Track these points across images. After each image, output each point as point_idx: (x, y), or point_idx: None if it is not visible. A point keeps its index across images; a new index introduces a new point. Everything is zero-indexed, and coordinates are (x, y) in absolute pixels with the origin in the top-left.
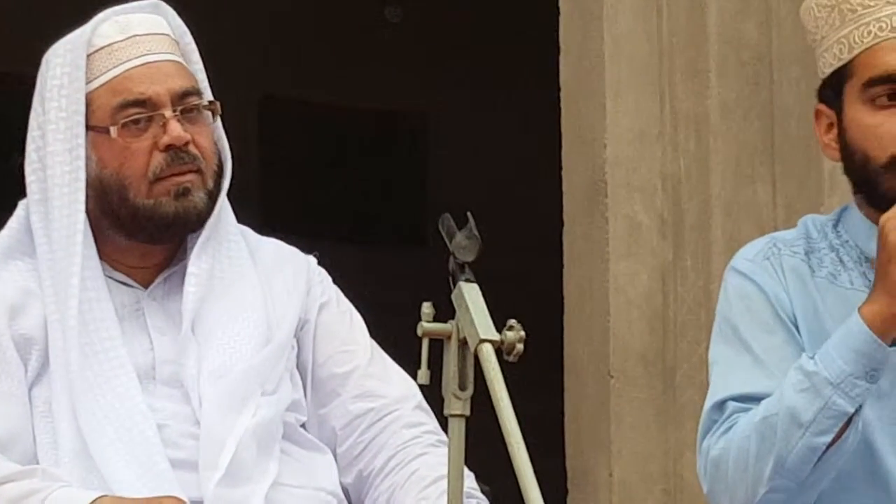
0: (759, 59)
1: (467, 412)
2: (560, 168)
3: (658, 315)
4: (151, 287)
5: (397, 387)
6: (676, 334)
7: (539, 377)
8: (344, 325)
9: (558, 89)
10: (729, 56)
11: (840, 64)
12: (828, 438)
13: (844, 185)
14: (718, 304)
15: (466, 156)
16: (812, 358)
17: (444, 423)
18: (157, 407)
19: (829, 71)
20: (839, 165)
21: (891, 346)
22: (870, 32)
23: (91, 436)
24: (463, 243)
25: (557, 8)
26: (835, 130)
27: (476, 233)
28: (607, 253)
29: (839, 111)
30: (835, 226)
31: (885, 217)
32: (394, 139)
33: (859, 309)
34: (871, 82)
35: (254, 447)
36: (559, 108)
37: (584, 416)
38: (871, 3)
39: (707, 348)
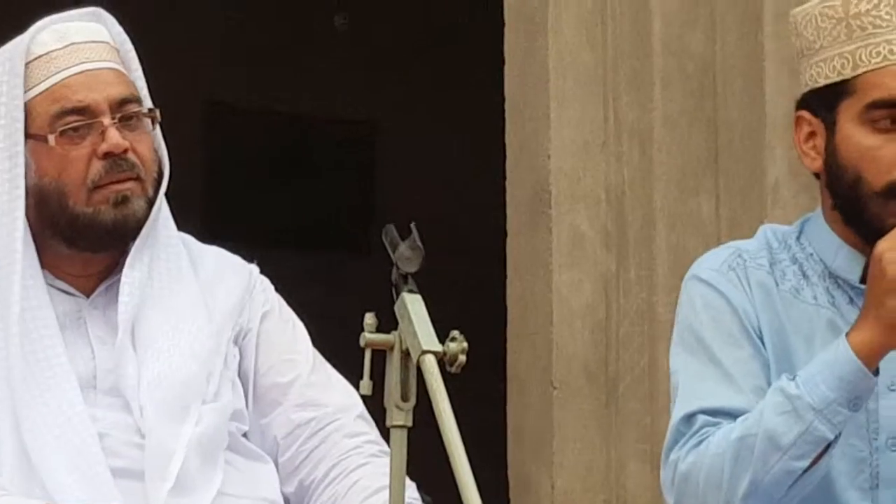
0: (704, 71)
1: (409, 423)
2: (504, 178)
3: (601, 326)
4: (93, 296)
5: (339, 396)
6: (619, 346)
7: (482, 388)
8: (286, 334)
9: (503, 99)
10: (673, 68)
11: (839, 79)
12: (805, 463)
13: (787, 198)
14: (680, 312)
15: (413, 165)
16: (793, 380)
17: (386, 434)
18: (99, 416)
19: (823, 82)
20: (783, 179)
21: (875, 375)
22: (878, 53)
23: (33, 444)
24: (406, 254)
25: (503, 18)
26: (817, 140)
27: (419, 244)
28: (551, 264)
29: (831, 125)
30: (797, 237)
31: (882, 247)
32: (340, 147)
33: (847, 335)
34: (876, 104)
35: (199, 457)
36: (504, 119)
37: (526, 427)
38: (883, 24)
39: (650, 360)
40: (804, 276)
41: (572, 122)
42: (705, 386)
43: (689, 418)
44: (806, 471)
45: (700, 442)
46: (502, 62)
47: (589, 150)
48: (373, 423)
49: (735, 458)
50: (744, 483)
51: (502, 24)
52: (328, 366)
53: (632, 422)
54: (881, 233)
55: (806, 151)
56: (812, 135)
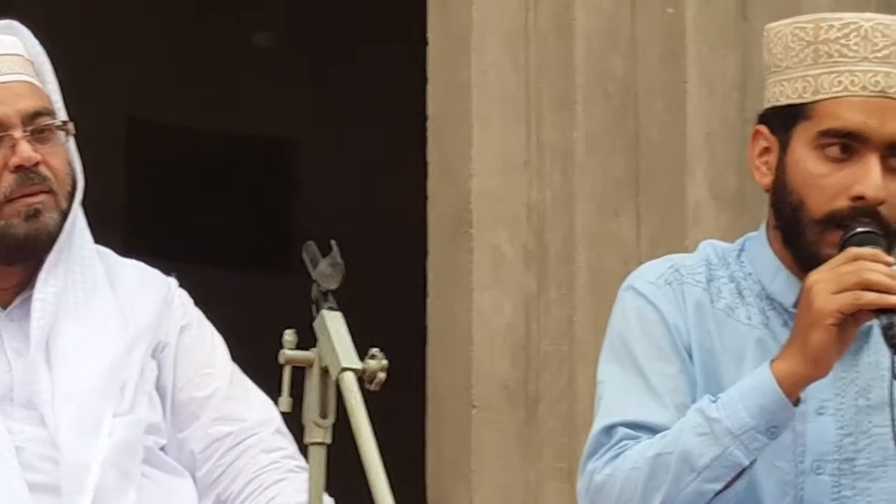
0: (626, 92)
1: (328, 440)
2: (426, 197)
3: (521, 345)
4: (10, 308)
5: (257, 411)
6: (539, 365)
7: (402, 406)
8: (204, 347)
9: (426, 118)
10: (595, 88)
11: (799, 101)
12: (718, 486)
13: (708, 219)
14: (613, 322)
15: (334, 183)
16: (715, 402)
17: (305, 451)
18: (15, 429)
19: (784, 101)
20: (703, 200)
21: (796, 404)
22: (840, 83)
23: None
24: (326, 271)
25: (426, 37)
26: (770, 157)
27: (340, 261)
28: (471, 283)
29: (785, 145)
30: (738, 256)
31: (813, 279)
32: (262, 165)
33: (771, 363)
34: (828, 133)
35: (115, 470)
36: (426, 137)
37: (445, 445)
38: (849, 54)
39: (569, 380)
40: (740, 295)
41: (494, 141)
42: (629, 399)
43: (610, 430)
44: (718, 493)
45: (618, 455)
46: (425, 81)
47: (511, 170)
48: (291, 438)
49: (650, 475)
50: (656, 501)
51: (425, 43)
52: (246, 380)
53: (550, 441)
54: (816, 261)
55: (758, 166)
56: (766, 151)
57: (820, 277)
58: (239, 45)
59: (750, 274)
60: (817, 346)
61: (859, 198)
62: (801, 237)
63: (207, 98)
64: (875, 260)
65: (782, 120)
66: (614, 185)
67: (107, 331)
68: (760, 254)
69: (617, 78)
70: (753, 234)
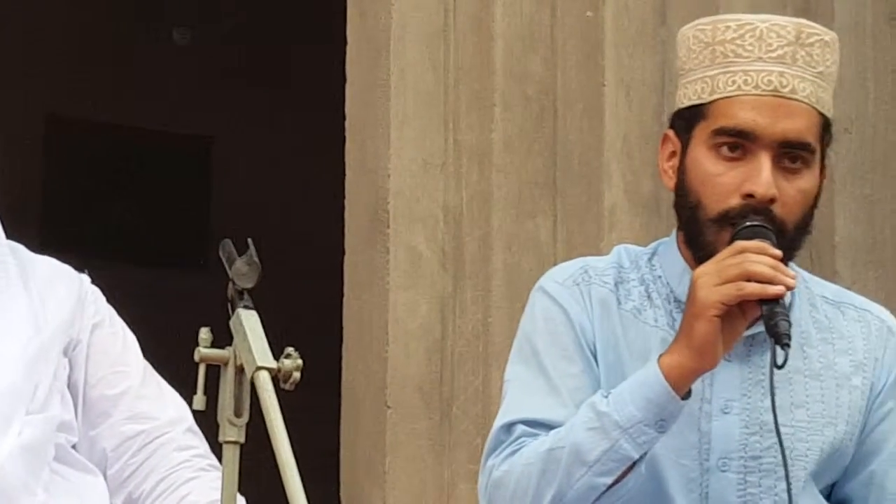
0: (544, 94)
1: (242, 439)
2: (343, 196)
3: (436, 347)
4: None
5: (170, 409)
6: (454, 366)
7: (317, 406)
8: (117, 345)
9: (344, 117)
10: (514, 90)
11: (699, 102)
12: (609, 480)
13: (624, 222)
14: (522, 322)
15: (252, 180)
16: (606, 397)
17: (218, 449)
18: None
19: (686, 103)
20: (620, 202)
21: (683, 398)
22: (734, 82)
23: None
24: (242, 269)
25: (345, 36)
26: (676, 160)
27: (256, 259)
28: (387, 283)
29: (686, 146)
30: (650, 259)
31: (698, 271)
32: (178, 162)
33: (659, 358)
34: (721, 131)
35: (21, 468)
36: (344, 137)
37: (359, 446)
38: (745, 54)
39: (483, 381)
40: (649, 297)
41: (412, 142)
42: (531, 397)
43: (510, 427)
44: (609, 487)
45: (515, 451)
46: (344, 80)
47: (428, 170)
48: (202, 437)
49: (542, 470)
50: (548, 495)
51: (344, 42)
52: (159, 378)
53: (464, 442)
54: None
55: (665, 170)
56: (673, 154)
57: (705, 270)
58: (158, 42)
59: (660, 277)
60: (701, 338)
61: (750, 195)
62: (699, 237)
63: (125, 95)
64: (761, 252)
65: (685, 122)
66: (532, 187)
67: (20, 328)
68: (670, 257)
69: (535, 80)
70: (667, 238)
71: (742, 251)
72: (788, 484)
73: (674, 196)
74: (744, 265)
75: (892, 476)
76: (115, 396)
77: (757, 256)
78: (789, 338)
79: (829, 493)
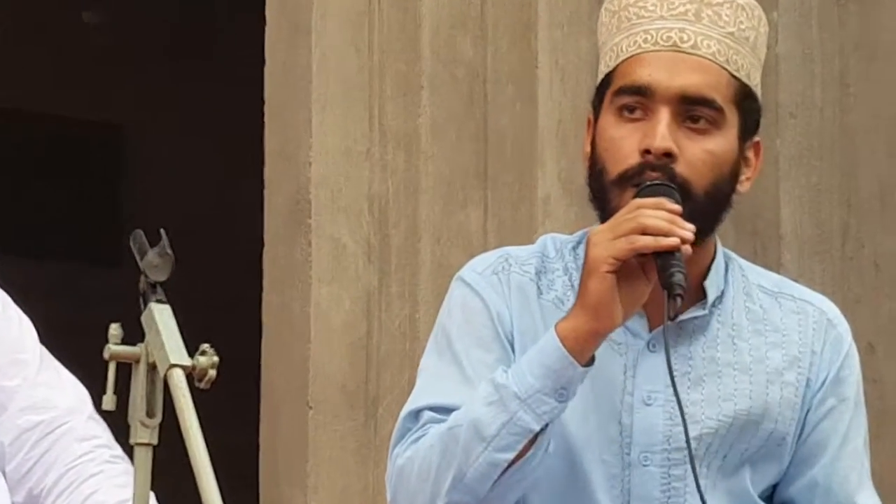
0: (474, 77)
1: (154, 441)
2: (263, 185)
3: (361, 344)
4: None
5: (69, 397)
6: (380, 364)
7: (235, 405)
8: (12, 333)
9: (263, 102)
10: (442, 73)
11: (607, 71)
12: (510, 455)
13: (558, 212)
14: (440, 313)
15: (165, 169)
16: (506, 371)
17: (131, 451)
18: None
19: (600, 78)
20: (554, 192)
21: (586, 365)
22: (635, 42)
23: None
24: (155, 262)
25: (264, 16)
26: (591, 141)
27: (169, 251)
28: (309, 277)
29: (597, 119)
30: (574, 248)
31: (593, 231)
32: (88, 150)
33: (556, 324)
34: (620, 91)
35: None
36: (263, 122)
37: (280, 447)
38: (646, 14)
39: (410, 380)
40: (572, 287)
41: (335, 128)
42: (441, 384)
43: (417, 414)
44: (511, 465)
45: (420, 437)
46: (263, 62)
47: (352, 157)
48: (104, 425)
49: (443, 451)
50: (449, 476)
51: (263, 23)
52: (57, 363)
53: (390, 444)
54: None
55: (586, 152)
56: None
57: (600, 228)
58: (66, 22)
59: (583, 265)
60: (595, 295)
61: (647, 151)
62: (605, 203)
63: (33, 79)
64: (657, 207)
65: (598, 96)
66: (461, 175)
67: None
68: None
69: (465, 62)
70: (593, 226)
71: (638, 207)
72: (694, 470)
73: (587, 174)
74: (638, 219)
75: (837, 477)
76: (12, 388)
77: (652, 211)
78: (683, 288)
79: (770, 494)
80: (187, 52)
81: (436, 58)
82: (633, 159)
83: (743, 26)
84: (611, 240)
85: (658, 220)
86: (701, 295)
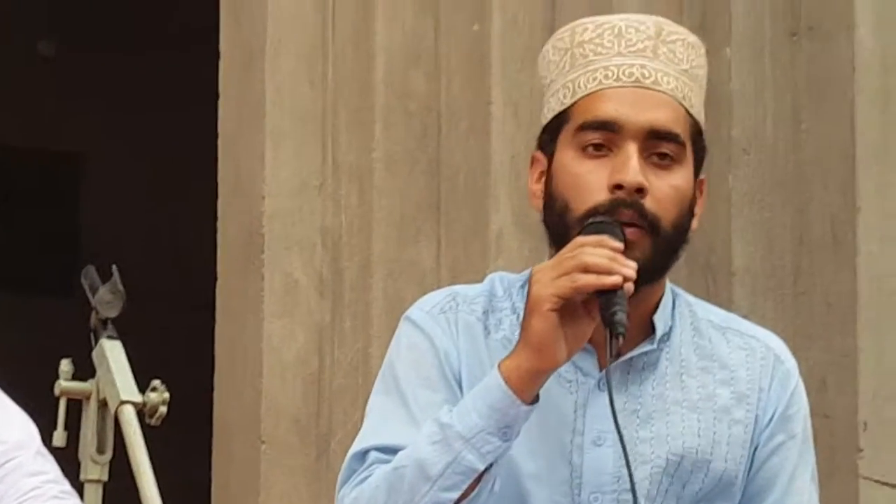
0: (427, 110)
1: (105, 477)
2: (216, 219)
3: (313, 379)
4: None
5: (17, 431)
6: (332, 399)
7: (188, 440)
8: None
9: (217, 135)
10: (395, 107)
11: (562, 108)
12: (455, 494)
13: (511, 248)
14: (388, 352)
15: (121, 200)
16: (451, 411)
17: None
18: None
19: (551, 116)
20: (507, 227)
21: (530, 403)
22: (595, 79)
23: None
24: (106, 298)
25: (218, 50)
26: (543, 180)
27: (121, 287)
28: (262, 311)
29: (551, 156)
30: (522, 286)
31: (535, 269)
32: (43, 180)
33: (499, 363)
34: (584, 127)
35: None
36: (217, 157)
37: (232, 482)
38: (603, 52)
39: (363, 415)
40: (521, 326)
41: (289, 161)
42: (388, 425)
43: (364, 454)
44: (457, 503)
45: (366, 478)
46: (217, 96)
47: (305, 191)
48: (52, 460)
49: (389, 491)
50: None
51: (218, 55)
52: (4, 398)
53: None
54: None
55: (535, 192)
56: (542, 175)
57: (543, 266)
58: (21, 53)
59: None
60: (538, 334)
61: (618, 187)
62: (567, 240)
63: None
64: (598, 245)
65: (550, 134)
66: (414, 209)
67: None
68: None
69: (418, 96)
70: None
71: (580, 245)
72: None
73: (543, 214)
74: (579, 257)
75: None
76: None
77: (594, 249)
78: (624, 327)
79: None
80: (143, 84)
81: (389, 92)
82: (602, 196)
83: (694, 63)
84: (553, 278)
85: (600, 258)
86: (650, 331)
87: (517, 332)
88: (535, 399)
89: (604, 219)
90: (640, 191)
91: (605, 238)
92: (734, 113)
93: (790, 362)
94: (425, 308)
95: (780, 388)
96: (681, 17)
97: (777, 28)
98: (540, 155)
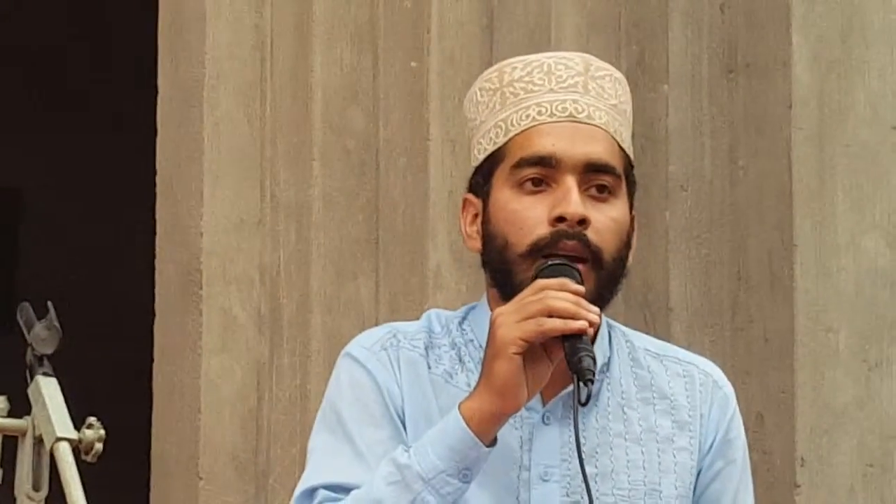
0: (366, 148)
1: None
2: (154, 256)
3: (252, 415)
4: None
5: None
6: (270, 436)
7: (125, 477)
8: None
9: (155, 172)
10: (334, 144)
11: (494, 148)
12: None
13: (449, 284)
14: (328, 390)
15: (60, 237)
16: (408, 451)
17: None
18: None
19: (482, 157)
20: (445, 264)
21: (489, 445)
22: (528, 115)
23: None
24: (42, 334)
25: (156, 87)
26: (479, 221)
27: (56, 324)
28: (200, 347)
29: (486, 196)
30: (460, 323)
31: (497, 311)
32: None
33: (460, 404)
34: (521, 163)
35: None
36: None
37: None
38: (535, 89)
39: (301, 451)
40: (460, 361)
41: (226, 198)
42: (335, 463)
43: (312, 493)
44: None
45: None
46: (155, 132)
47: (243, 228)
48: None
49: None
50: None
51: (156, 93)
52: None
53: None
54: None
55: (470, 234)
56: (476, 217)
57: (505, 309)
58: None
59: (471, 340)
60: (501, 378)
61: (560, 219)
62: (511, 279)
63: None
64: (562, 289)
65: (483, 174)
66: (353, 245)
67: None
68: (480, 319)
69: (356, 133)
70: (477, 302)
71: (543, 289)
72: None
73: (482, 254)
74: (545, 301)
75: None
76: None
77: (558, 293)
78: (593, 374)
79: None
80: (82, 120)
81: (327, 128)
82: (543, 229)
83: (622, 99)
84: (517, 321)
85: (565, 302)
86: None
87: (457, 367)
88: (494, 441)
89: (561, 261)
90: (583, 222)
91: (566, 281)
92: (671, 149)
93: (728, 388)
94: (366, 345)
95: (720, 413)
96: (619, 54)
97: (714, 65)
98: (472, 197)
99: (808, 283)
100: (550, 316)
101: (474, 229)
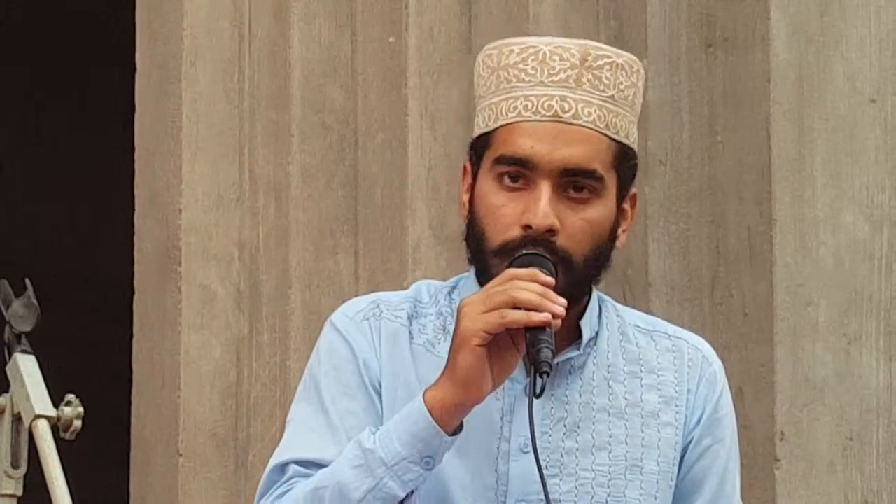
0: (344, 123)
1: (20, 492)
2: (133, 232)
3: (231, 391)
4: None
5: None
6: (250, 412)
7: (105, 454)
8: None
9: (133, 148)
10: (312, 120)
11: (486, 130)
12: None
13: (429, 258)
14: (311, 357)
15: (36, 213)
16: (374, 434)
17: None
18: None
19: (477, 132)
20: (424, 238)
21: (452, 434)
22: (515, 108)
23: None
24: (20, 312)
25: (135, 62)
26: (469, 195)
27: (34, 301)
28: (179, 324)
29: (475, 177)
30: (449, 293)
31: (464, 301)
32: None
33: (424, 392)
34: (500, 160)
35: None
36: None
37: (150, 496)
38: (527, 79)
39: (281, 427)
40: (444, 330)
41: (205, 174)
42: (308, 436)
43: (283, 467)
44: None
45: (285, 493)
46: (133, 108)
47: (222, 204)
48: None
49: None
50: None
51: (134, 69)
52: None
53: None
54: None
55: (464, 202)
56: (469, 188)
57: (471, 300)
58: None
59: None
60: (464, 369)
61: (528, 226)
62: (486, 270)
63: None
64: (531, 279)
65: (476, 151)
66: (332, 221)
67: None
68: (469, 290)
69: (335, 109)
70: (467, 273)
71: (512, 278)
72: None
73: (464, 232)
74: (510, 292)
75: None
76: None
77: (525, 283)
78: (549, 366)
79: None
80: (60, 95)
81: (306, 105)
82: (515, 232)
83: (622, 86)
84: (481, 312)
85: (530, 293)
86: (577, 336)
87: (440, 336)
88: (459, 429)
89: (536, 250)
90: (551, 231)
91: (536, 272)
92: (650, 124)
93: (717, 364)
94: (349, 314)
95: (708, 390)
96: (597, 29)
97: (693, 40)
98: (469, 167)
99: (788, 257)
100: (515, 307)
101: (466, 198)
